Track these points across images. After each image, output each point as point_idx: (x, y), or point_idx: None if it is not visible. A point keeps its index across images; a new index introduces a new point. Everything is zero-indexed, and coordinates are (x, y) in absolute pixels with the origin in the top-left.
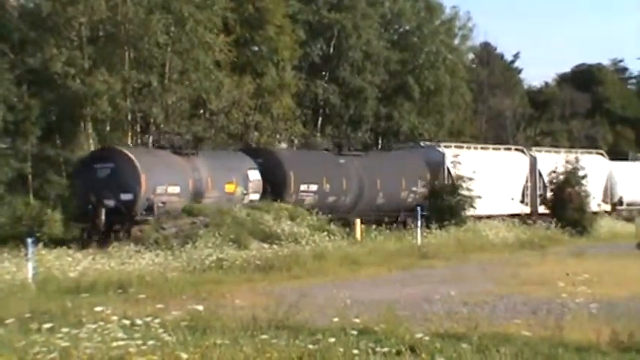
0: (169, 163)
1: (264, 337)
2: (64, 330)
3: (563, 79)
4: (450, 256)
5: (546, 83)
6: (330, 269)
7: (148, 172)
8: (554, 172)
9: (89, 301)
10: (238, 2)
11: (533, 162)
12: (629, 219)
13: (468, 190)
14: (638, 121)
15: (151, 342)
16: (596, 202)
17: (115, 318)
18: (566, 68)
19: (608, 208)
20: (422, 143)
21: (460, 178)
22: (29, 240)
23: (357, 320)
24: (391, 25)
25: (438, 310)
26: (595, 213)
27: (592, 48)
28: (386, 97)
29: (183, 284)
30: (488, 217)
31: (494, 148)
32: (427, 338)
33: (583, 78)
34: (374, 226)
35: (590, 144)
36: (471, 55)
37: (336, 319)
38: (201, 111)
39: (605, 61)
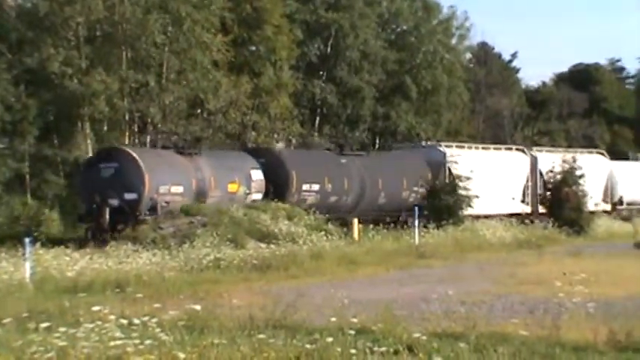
0: (173, 162)
1: (261, 336)
2: (62, 329)
3: (560, 79)
4: (448, 255)
5: (544, 83)
6: (327, 269)
7: (152, 171)
8: (552, 171)
9: (86, 300)
10: (236, 2)
11: (534, 162)
12: (627, 218)
13: (466, 189)
14: (636, 120)
15: (148, 341)
16: (593, 202)
17: (112, 317)
18: (564, 68)
19: (608, 207)
20: (423, 143)
21: (461, 177)
22: (27, 239)
23: (355, 320)
24: (389, 25)
25: (435, 310)
26: (592, 212)
27: (589, 47)
28: (383, 97)
29: (181, 284)
30: (490, 216)
31: (495, 148)
32: (425, 338)
33: (580, 77)
34: (371, 226)
35: (587, 144)
36: (468, 55)
37: (333, 319)
38: (199, 111)
39: (603, 61)
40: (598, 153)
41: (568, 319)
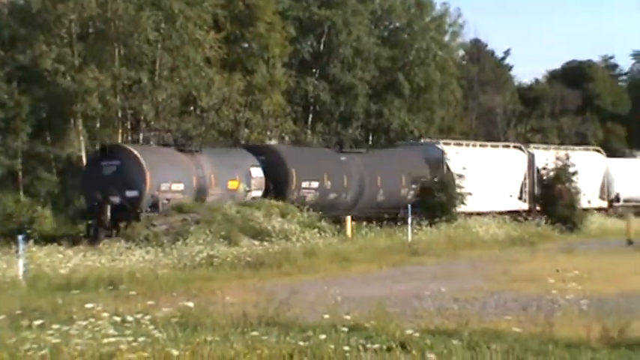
0: (174, 160)
1: (254, 333)
2: (55, 327)
3: (553, 76)
4: (441, 252)
5: (537, 80)
6: (320, 266)
7: (153, 169)
8: (545, 168)
9: (80, 297)
10: None
11: (531, 159)
12: (623, 215)
13: (459, 187)
14: (629, 117)
15: (141, 338)
16: (586, 199)
17: (105, 315)
18: (557, 65)
19: (604, 204)
20: (422, 140)
21: (460, 175)
22: (20, 237)
23: (348, 317)
24: (381, 22)
25: (428, 307)
26: (585, 210)
27: (582, 45)
28: (376, 94)
29: (174, 281)
30: (488, 214)
31: (492, 146)
32: (418, 335)
33: (573, 75)
34: (364, 223)
35: (580, 141)
36: (461, 52)
37: (326, 316)
38: (192, 108)
39: (596, 58)
40: (595, 150)
41: (561, 316)
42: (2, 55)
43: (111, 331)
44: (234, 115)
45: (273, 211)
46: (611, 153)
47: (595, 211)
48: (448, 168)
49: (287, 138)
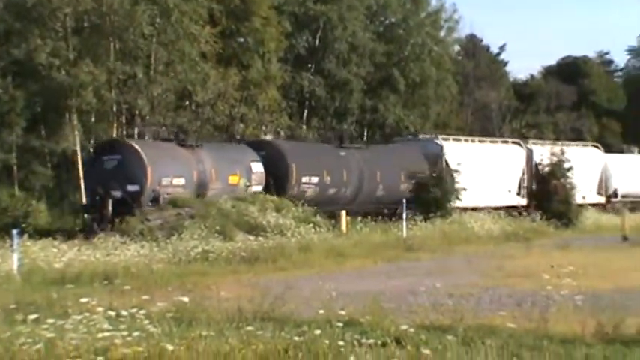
0: (175, 155)
1: (249, 328)
2: (50, 321)
3: (548, 72)
4: (436, 248)
5: (532, 76)
6: (315, 261)
7: (154, 164)
8: (540, 164)
9: (75, 292)
10: None
11: (530, 154)
12: (618, 211)
13: (457, 182)
14: (624, 113)
15: (136, 333)
16: (581, 195)
17: (100, 309)
18: (552, 61)
19: (602, 200)
20: (420, 136)
21: (458, 170)
22: (14, 231)
23: (343, 312)
24: (377, 17)
25: (423, 302)
26: (580, 205)
27: (578, 40)
28: (371, 90)
29: (169, 276)
30: (486, 209)
31: (491, 141)
32: (412, 330)
33: (569, 70)
34: (360, 218)
35: (575, 136)
36: (456, 48)
37: (321, 311)
38: (187, 103)
39: (591, 54)
40: (593, 146)
41: (556, 312)
42: None
43: (106, 326)
44: (230, 110)
45: (268, 206)
46: (607, 149)
47: (589, 207)
48: (447, 163)
49: (282, 133)
